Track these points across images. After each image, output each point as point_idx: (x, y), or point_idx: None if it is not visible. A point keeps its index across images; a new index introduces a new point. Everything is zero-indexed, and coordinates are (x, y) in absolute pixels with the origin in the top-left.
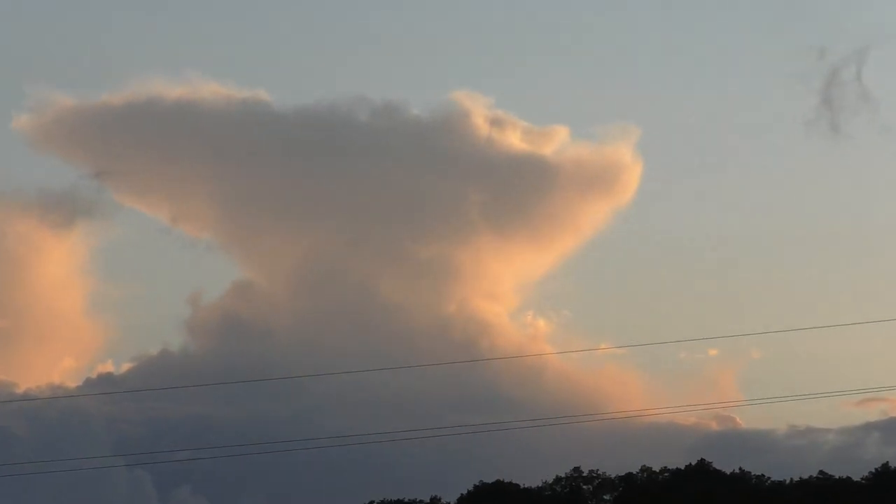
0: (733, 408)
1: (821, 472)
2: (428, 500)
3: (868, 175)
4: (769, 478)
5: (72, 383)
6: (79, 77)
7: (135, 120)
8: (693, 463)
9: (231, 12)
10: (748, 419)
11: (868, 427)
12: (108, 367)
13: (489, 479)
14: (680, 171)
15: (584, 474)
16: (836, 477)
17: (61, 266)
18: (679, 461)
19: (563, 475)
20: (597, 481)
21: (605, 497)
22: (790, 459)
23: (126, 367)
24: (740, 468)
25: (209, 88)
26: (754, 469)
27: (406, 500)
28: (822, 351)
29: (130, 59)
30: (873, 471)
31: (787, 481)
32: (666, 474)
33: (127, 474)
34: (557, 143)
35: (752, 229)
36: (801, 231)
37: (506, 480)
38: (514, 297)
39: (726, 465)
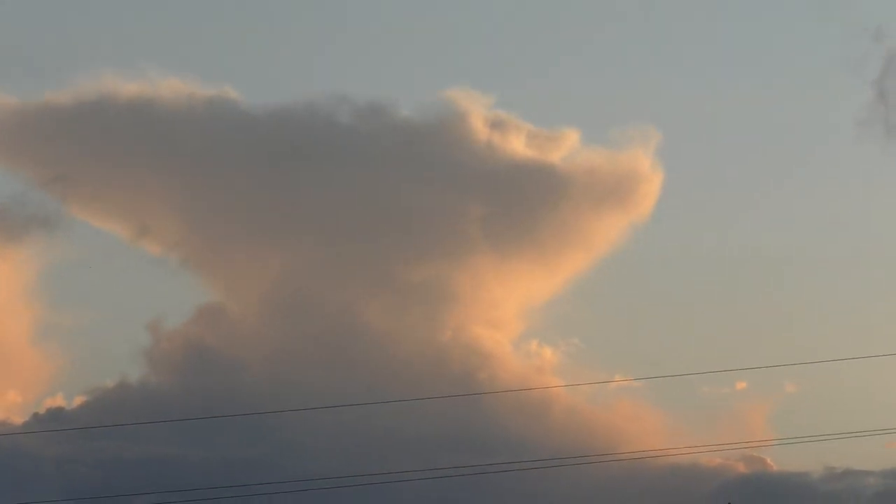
0: (764, 448)
1: None
2: None
3: None
4: None
5: (17, 419)
6: (18, 73)
7: (85, 121)
8: None
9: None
10: (780, 460)
11: None
12: (58, 401)
13: None
14: (706, 180)
15: None
16: None
17: (4, 288)
18: None
19: None
20: None
21: None
22: None
23: (78, 401)
24: None
25: (168, 84)
26: None
27: None
28: (865, 384)
29: (76, 52)
30: None
31: None
32: None
33: None
34: (567, 148)
35: (790, 247)
36: (848, 250)
37: None
38: (518, 324)
39: None
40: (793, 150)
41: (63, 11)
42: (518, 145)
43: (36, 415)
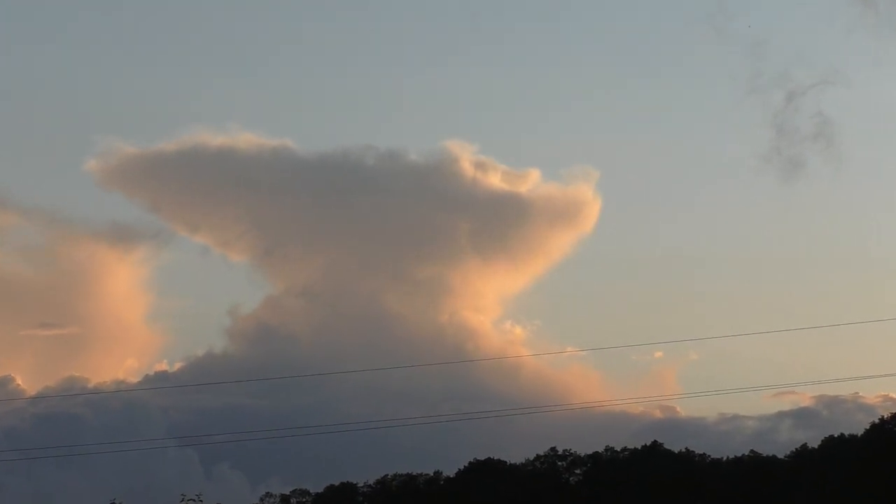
0: (674, 399)
1: (752, 451)
2: (431, 474)
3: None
4: (709, 456)
5: (133, 379)
6: (138, 128)
7: (185, 163)
8: (647, 444)
9: (262, 75)
10: (686, 408)
11: (781, 415)
12: (164, 366)
13: (481, 458)
14: (633, 205)
15: (559, 453)
16: (764, 455)
17: (125, 283)
18: (628, 443)
19: (541, 454)
20: (569, 458)
21: (576, 472)
22: (718, 441)
23: (178, 365)
24: (686, 448)
25: (244, 138)
26: (690, 448)
27: (414, 473)
28: (745, 353)
29: (181, 114)
30: (794, 450)
31: (724, 459)
32: (626, 453)
33: (178, 453)
34: (531, 183)
35: (692, 255)
36: (735, 255)
37: (494, 458)
38: (496, 309)
39: (668, 447)
40: (701, 179)
41: (168, 84)
42: (495, 181)
43: (147, 376)
